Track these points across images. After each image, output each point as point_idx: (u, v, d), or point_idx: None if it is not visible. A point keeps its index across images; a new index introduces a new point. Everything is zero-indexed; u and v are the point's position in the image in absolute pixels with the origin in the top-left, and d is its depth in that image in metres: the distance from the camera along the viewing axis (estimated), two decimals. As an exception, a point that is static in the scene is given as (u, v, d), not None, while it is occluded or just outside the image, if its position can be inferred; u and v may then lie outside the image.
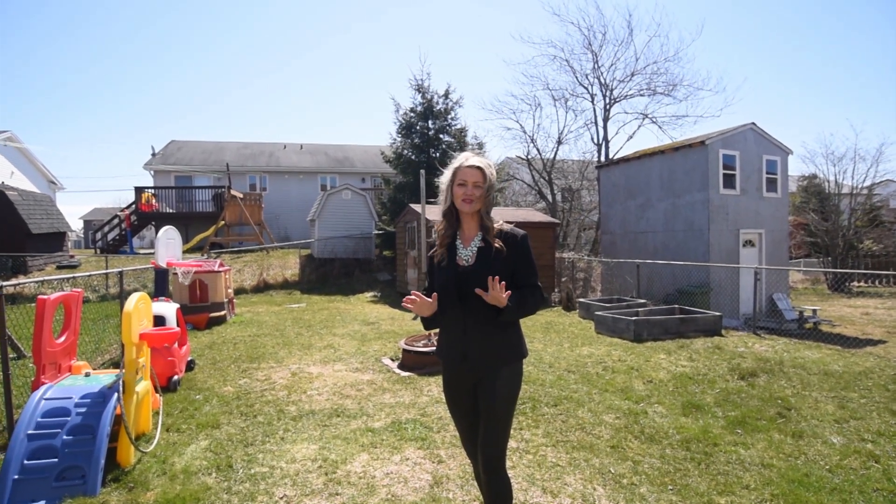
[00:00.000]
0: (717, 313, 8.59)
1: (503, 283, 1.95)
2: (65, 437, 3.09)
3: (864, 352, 7.19)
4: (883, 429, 4.08)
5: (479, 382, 2.14)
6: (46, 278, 5.04)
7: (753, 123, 11.83)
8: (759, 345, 7.45)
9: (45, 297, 3.55)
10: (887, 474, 3.29)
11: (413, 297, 2.05)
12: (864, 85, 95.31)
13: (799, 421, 4.26)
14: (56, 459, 3.01)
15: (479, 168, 2.10)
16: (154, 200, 20.57)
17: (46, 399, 3.26)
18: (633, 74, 21.07)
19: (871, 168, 19.39)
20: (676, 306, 9.38)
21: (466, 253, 2.15)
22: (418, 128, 16.91)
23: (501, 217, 2.23)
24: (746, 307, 10.84)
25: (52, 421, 3.14)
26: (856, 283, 17.39)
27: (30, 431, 3.06)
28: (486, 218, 2.14)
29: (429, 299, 2.08)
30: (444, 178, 2.18)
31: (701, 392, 5.05)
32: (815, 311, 10.18)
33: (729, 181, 11.43)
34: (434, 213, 11.44)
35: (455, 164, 2.15)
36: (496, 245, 2.10)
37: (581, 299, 10.94)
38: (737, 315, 10.48)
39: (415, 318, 9.86)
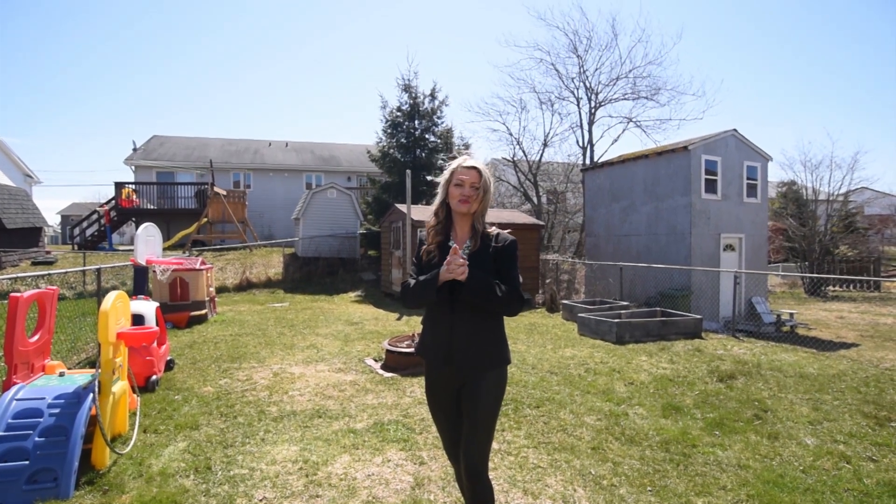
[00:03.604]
0: (698, 316, 8.73)
1: (465, 260, 1.97)
2: (37, 438, 3.01)
3: (838, 355, 7.37)
4: (855, 430, 4.19)
5: (462, 386, 2.13)
6: (20, 275, 4.92)
7: (735, 130, 12.05)
8: (738, 347, 7.59)
9: (17, 294, 3.46)
10: (858, 475, 3.37)
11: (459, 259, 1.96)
12: (842, 95, 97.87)
13: (775, 423, 4.35)
14: (27, 462, 2.93)
15: (477, 170, 2.10)
16: (135, 196, 20.19)
17: (18, 399, 3.17)
18: (617, 79, 21.35)
19: (847, 176, 19.93)
20: (658, 309, 9.51)
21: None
22: (404, 127, 16.88)
23: (487, 218, 2.23)
24: (726, 310, 11.04)
25: (24, 422, 3.06)
26: (831, 288, 17.81)
27: (0, 433, 2.98)
28: (479, 221, 2.14)
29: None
30: (442, 177, 2.18)
31: (681, 394, 5.12)
32: (792, 314, 10.40)
33: (710, 186, 11.63)
34: (419, 213, 11.43)
35: (454, 164, 2.15)
36: (489, 247, 2.10)
37: (565, 301, 11.02)
38: (717, 318, 10.67)
39: (399, 319, 9.83)
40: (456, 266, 1.94)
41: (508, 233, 2.19)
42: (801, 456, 3.67)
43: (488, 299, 2.01)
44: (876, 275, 18.75)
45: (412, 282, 2.15)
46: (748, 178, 12.26)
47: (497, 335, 2.14)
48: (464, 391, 2.12)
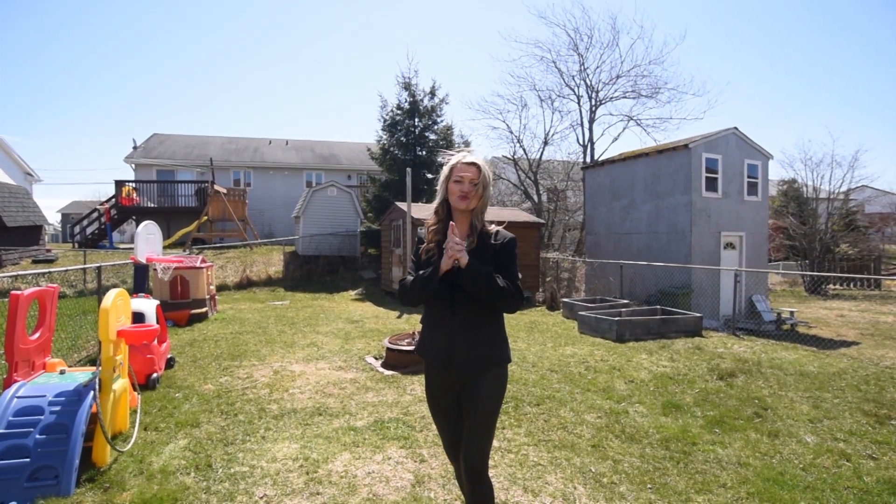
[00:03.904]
0: (698, 314, 8.73)
1: (462, 242, 1.95)
2: (38, 436, 3.02)
3: (838, 353, 7.37)
4: (855, 428, 4.19)
5: (463, 386, 2.11)
6: (21, 273, 4.92)
7: (735, 128, 12.03)
8: (738, 346, 7.59)
9: (18, 292, 3.46)
10: (858, 472, 3.37)
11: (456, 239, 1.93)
12: (842, 94, 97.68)
13: (775, 420, 4.35)
14: (28, 459, 2.93)
15: (476, 165, 2.08)
16: (135, 194, 20.18)
17: (19, 397, 3.18)
18: (618, 77, 21.33)
19: (847, 174, 19.90)
20: (658, 307, 9.51)
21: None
22: (404, 125, 16.87)
23: (487, 216, 2.21)
24: (726, 308, 11.04)
25: (25, 420, 3.06)
26: (832, 286, 17.81)
27: (0, 431, 2.98)
28: (479, 217, 2.12)
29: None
30: (441, 174, 2.15)
31: (681, 392, 5.13)
32: (792, 312, 10.40)
33: (711, 184, 11.62)
34: (420, 211, 11.42)
35: (453, 160, 2.12)
36: (488, 244, 2.08)
37: (565, 299, 11.02)
38: (717, 316, 10.67)
39: (399, 317, 9.83)
40: (454, 244, 1.91)
41: (507, 230, 2.18)
42: (801, 454, 3.67)
43: (488, 288, 1.96)
44: (876, 273, 18.75)
45: (410, 279, 2.12)
46: (749, 177, 12.25)
47: (497, 336, 2.12)
48: (464, 391, 2.11)
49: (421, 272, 2.08)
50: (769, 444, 3.85)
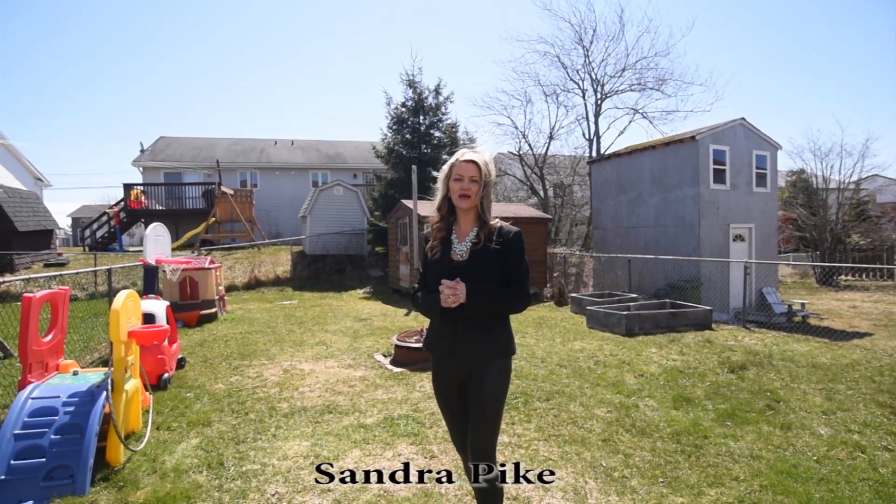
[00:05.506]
0: (708, 307, 8.66)
1: (457, 279, 2.00)
2: (52, 436, 3.05)
3: (851, 344, 7.29)
4: (869, 420, 4.15)
5: (467, 378, 2.13)
6: (32, 276, 4.98)
7: (743, 119, 11.90)
8: (749, 338, 7.52)
9: (30, 295, 3.50)
10: (873, 464, 3.34)
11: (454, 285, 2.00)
12: (851, 81, 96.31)
13: (787, 413, 4.31)
14: (44, 459, 2.97)
15: (475, 163, 2.09)
16: (143, 197, 20.36)
17: (33, 398, 3.22)
18: (624, 70, 21.17)
19: (858, 163, 19.60)
20: (667, 301, 9.45)
21: (461, 248, 2.14)
22: (409, 123, 16.86)
23: (493, 212, 2.22)
24: (736, 301, 10.94)
25: (40, 420, 3.10)
26: (843, 277, 17.60)
27: (16, 431, 3.02)
28: (485, 214, 2.14)
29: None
30: (442, 172, 2.18)
31: (691, 385, 5.09)
32: (803, 304, 10.29)
33: (719, 176, 11.51)
34: (425, 208, 11.42)
35: (453, 158, 2.15)
36: (492, 241, 2.09)
37: (573, 294, 10.99)
38: (727, 309, 10.58)
39: (407, 314, 9.85)
40: (447, 297, 1.98)
41: (512, 224, 2.18)
42: (814, 446, 3.64)
43: (493, 311, 2.07)
44: (889, 263, 18.51)
45: (420, 296, 2.22)
46: (757, 168, 12.12)
47: (501, 329, 2.14)
48: (468, 382, 2.13)
49: (425, 299, 2.17)
50: (782, 436, 3.81)
